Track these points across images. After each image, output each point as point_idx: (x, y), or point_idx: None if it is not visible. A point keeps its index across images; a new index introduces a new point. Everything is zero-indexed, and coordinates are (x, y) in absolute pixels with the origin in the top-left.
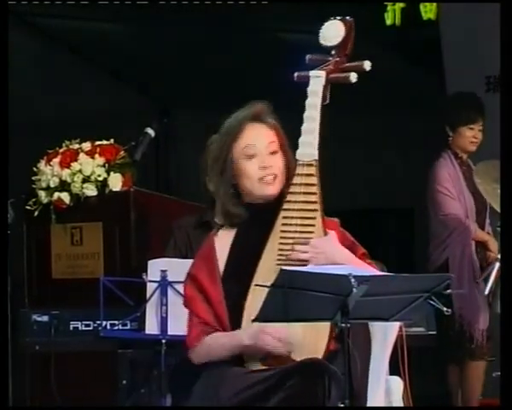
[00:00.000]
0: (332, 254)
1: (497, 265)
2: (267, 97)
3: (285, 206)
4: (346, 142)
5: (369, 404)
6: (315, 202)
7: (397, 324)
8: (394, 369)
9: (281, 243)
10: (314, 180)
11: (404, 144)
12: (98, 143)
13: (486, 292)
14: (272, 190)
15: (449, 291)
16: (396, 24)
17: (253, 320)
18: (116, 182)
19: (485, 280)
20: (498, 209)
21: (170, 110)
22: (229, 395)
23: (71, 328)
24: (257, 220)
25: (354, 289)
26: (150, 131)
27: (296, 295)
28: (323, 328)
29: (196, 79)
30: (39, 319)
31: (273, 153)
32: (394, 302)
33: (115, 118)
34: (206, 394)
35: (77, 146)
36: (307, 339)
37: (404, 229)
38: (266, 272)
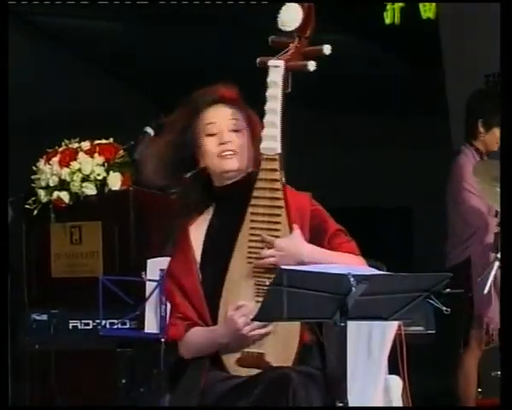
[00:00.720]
0: (298, 254)
1: (496, 264)
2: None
3: (252, 201)
4: (345, 142)
5: (368, 403)
6: (279, 199)
7: (395, 322)
8: (393, 368)
9: (250, 241)
10: (277, 175)
11: (404, 144)
12: (97, 142)
13: (485, 291)
14: (231, 164)
15: (447, 290)
16: (395, 23)
17: (252, 319)
18: (115, 181)
19: (484, 279)
20: (498, 208)
21: (169, 109)
22: (209, 399)
23: (70, 327)
24: (228, 211)
25: (353, 288)
26: (149, 131)
27: (295, 295)
28: (294, 326)
29: (196, 79)
30: (38, 318)
31: (234, 131)
32: (393, 301)
33: (115, 117)
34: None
35: (76, 145)
36: (280, 337)
37: (403, 228)
38: (238, 268)
